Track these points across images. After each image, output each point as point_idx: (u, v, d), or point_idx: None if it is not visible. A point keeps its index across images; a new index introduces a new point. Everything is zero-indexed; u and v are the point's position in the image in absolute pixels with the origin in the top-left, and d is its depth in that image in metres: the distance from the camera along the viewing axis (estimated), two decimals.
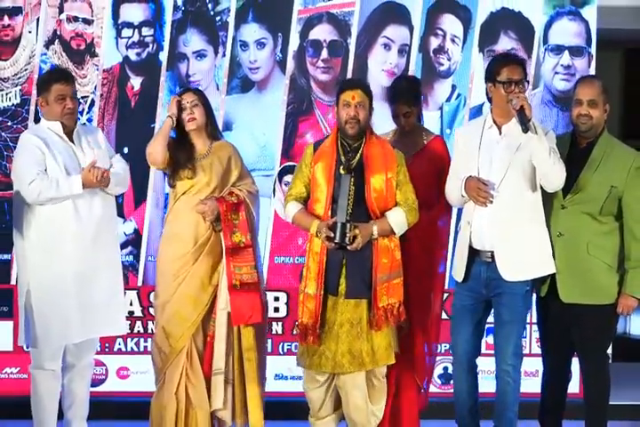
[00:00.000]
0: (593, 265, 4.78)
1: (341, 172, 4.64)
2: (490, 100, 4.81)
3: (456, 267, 4.87)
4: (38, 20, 5.84)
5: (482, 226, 4.72)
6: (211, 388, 4.97)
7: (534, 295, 4.90)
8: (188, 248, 4.93)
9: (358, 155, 4.68)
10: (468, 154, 4.78)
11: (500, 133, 4.76)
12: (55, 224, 4.82)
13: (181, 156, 4.94)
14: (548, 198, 4.77)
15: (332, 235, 4.56)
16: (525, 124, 4.54)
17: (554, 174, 4.63)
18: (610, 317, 4.84)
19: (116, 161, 5.03)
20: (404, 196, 4.70)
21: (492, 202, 4.66)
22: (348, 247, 4.58)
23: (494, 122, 4.77)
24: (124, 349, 5.93)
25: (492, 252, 4.72)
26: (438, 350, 5.85)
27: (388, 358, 4.74)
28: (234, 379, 5.00)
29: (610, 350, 4.97)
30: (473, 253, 4.77)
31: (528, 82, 4.86)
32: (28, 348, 5.08)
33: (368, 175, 4.64)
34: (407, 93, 5.03)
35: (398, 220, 4.67)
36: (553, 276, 4.79)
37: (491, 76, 4.75)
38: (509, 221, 4.69)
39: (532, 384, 5.53)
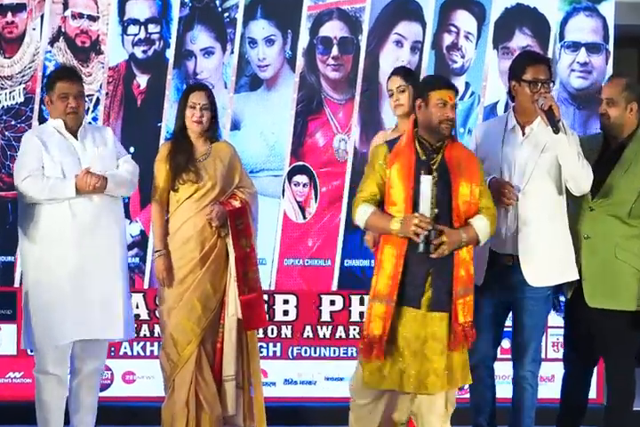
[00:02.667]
0: (621, 269, 4.68)
1: (421, 173, 4.30)
2: (512, 98, 4.72)
3: (475, 270, 4.69)
4: (42, 16, 5.79)
5: (504, 229, 4.63)
6: (221, 393, 4.97)
7: (562, 299, 4.81)
8: (196, 254, 4.88)
9: (440, 156, 4.39)
10: (490, 155, 4.68)
11: (524, 134, 4.67)
12: (52, 224, 4.75)
13: (181, 157, 4.90)
14: (575, 201, 4.70)
15: (420, 233, 4.24)
16: (556, 125, 4.46)
17: (582, 177, 4.55)
18: (636, 323, 4.73)
19: (123, 162, 4.94)
20: (486, 203, 4.39)
21: (514, 204, 4.58)
22: (432, 255, 4.27)
23: (517, 122, 4.68)
24: (129, 353, 5.86)
25: (513, 255, 4.63)
26: None
27: (465, 379, 4.44)
28: (243, 384, 5.00)
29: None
30: (492, 257, 4.68)
31: (554, 82, 4.77)
32: (31, 351, 5.03)
33: (455, 178, 4.34)
34: (402, 69, 4.96)
35: (484, 228, 4.36)
36: (580, 279, 4.70)
37: (515, 74, 4.65)
38: (534, 225, 4.60)
39: (547, 390, 5.45)
